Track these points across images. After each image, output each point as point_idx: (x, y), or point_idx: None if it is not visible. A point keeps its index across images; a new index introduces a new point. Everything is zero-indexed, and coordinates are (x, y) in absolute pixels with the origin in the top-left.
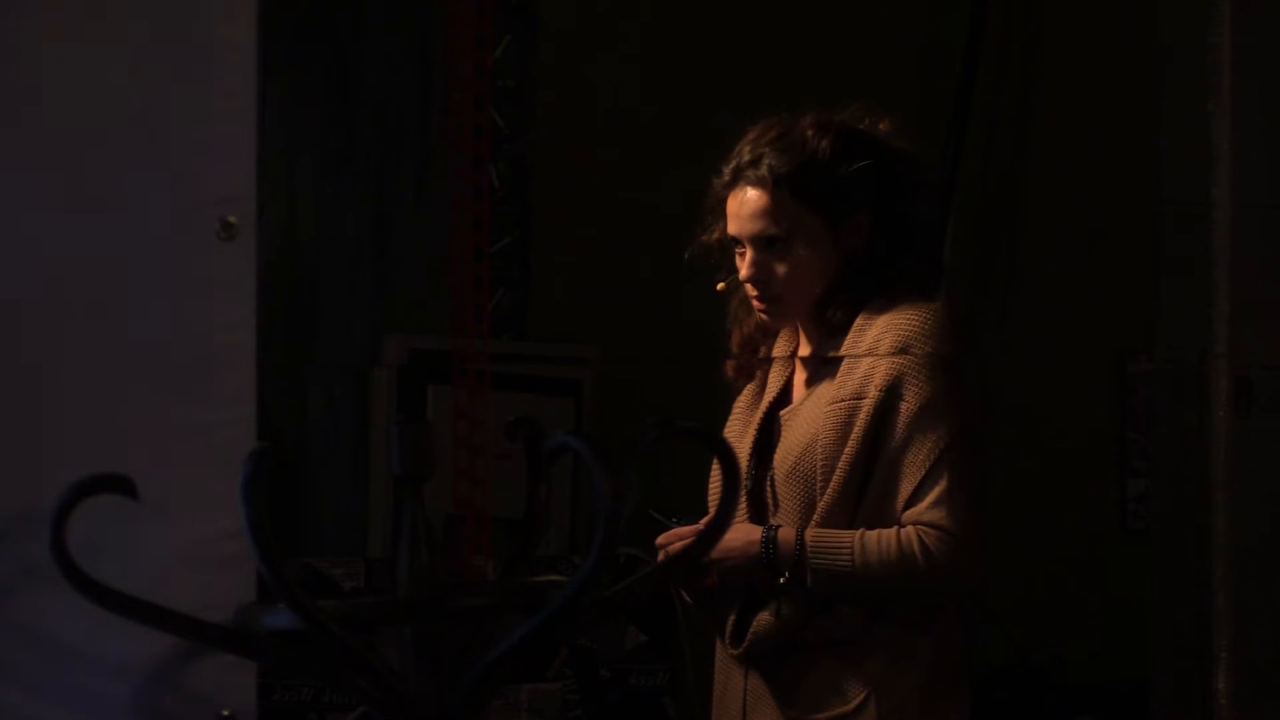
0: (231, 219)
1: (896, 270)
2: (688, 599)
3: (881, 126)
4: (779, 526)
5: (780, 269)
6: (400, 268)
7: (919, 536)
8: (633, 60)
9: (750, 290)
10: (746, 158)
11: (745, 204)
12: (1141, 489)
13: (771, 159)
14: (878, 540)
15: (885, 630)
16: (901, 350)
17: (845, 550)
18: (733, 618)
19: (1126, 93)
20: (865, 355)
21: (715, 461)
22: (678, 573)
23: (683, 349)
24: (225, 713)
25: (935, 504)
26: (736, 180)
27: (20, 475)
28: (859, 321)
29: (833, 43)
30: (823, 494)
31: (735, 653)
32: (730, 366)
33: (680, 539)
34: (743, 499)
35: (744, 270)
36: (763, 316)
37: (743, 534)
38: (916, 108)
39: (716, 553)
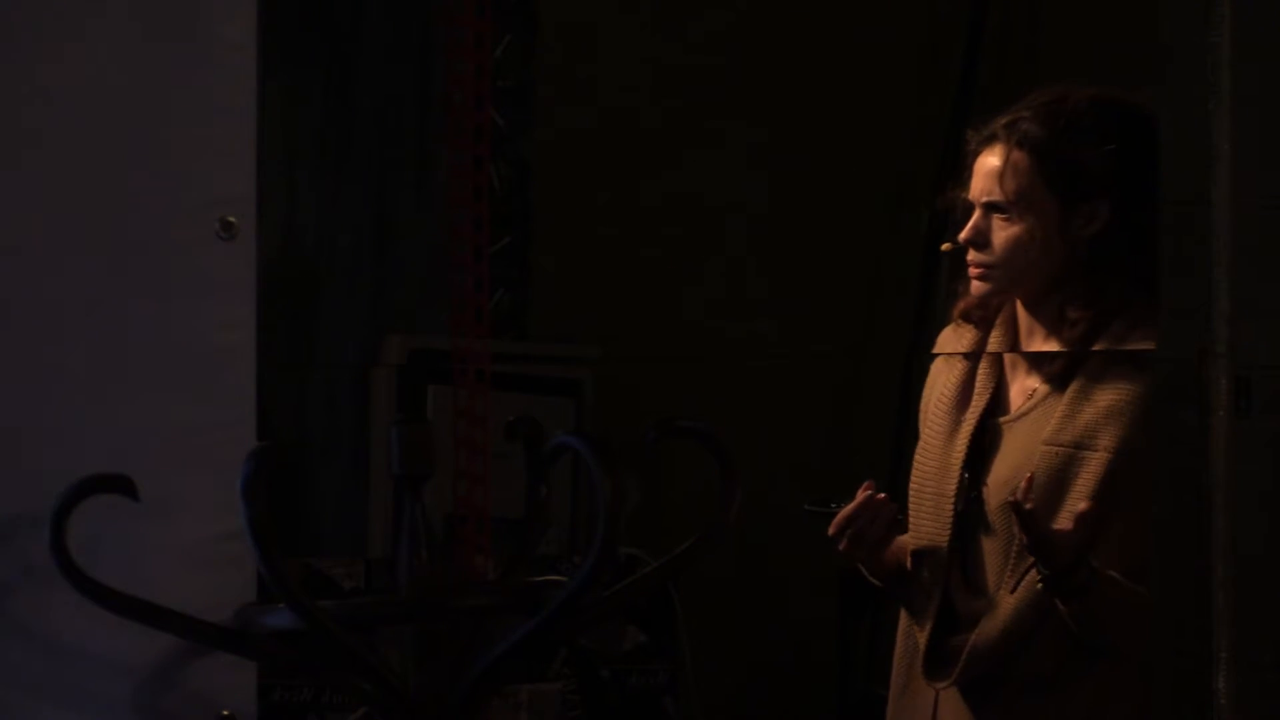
0: (231, 219)
1: (1128, 273)
2: (874, 580)
3: None
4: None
5: (999, 237)
6: (400, 268)
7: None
8: (633, 60)
9: (969, 255)
10: (1006, 119)
11: (985, 164)
12: None
13: (1027, 123)
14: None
15: (1093, 671)
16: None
17: (1120, 606)
18: (925, 642)
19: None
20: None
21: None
22: (674, 574)
23: (682, 349)
24: (225, 713)
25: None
26: (989, 140)
27: (20, 475)
28: (1110, 334)
29: (832, 42)
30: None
31: (943, 685)
32: (959, 308)
33: (853, 522)
34: (950, 517)
35: (964, 232)
36: (975, 284)
37: (1069, 547)
38: (917, 108)
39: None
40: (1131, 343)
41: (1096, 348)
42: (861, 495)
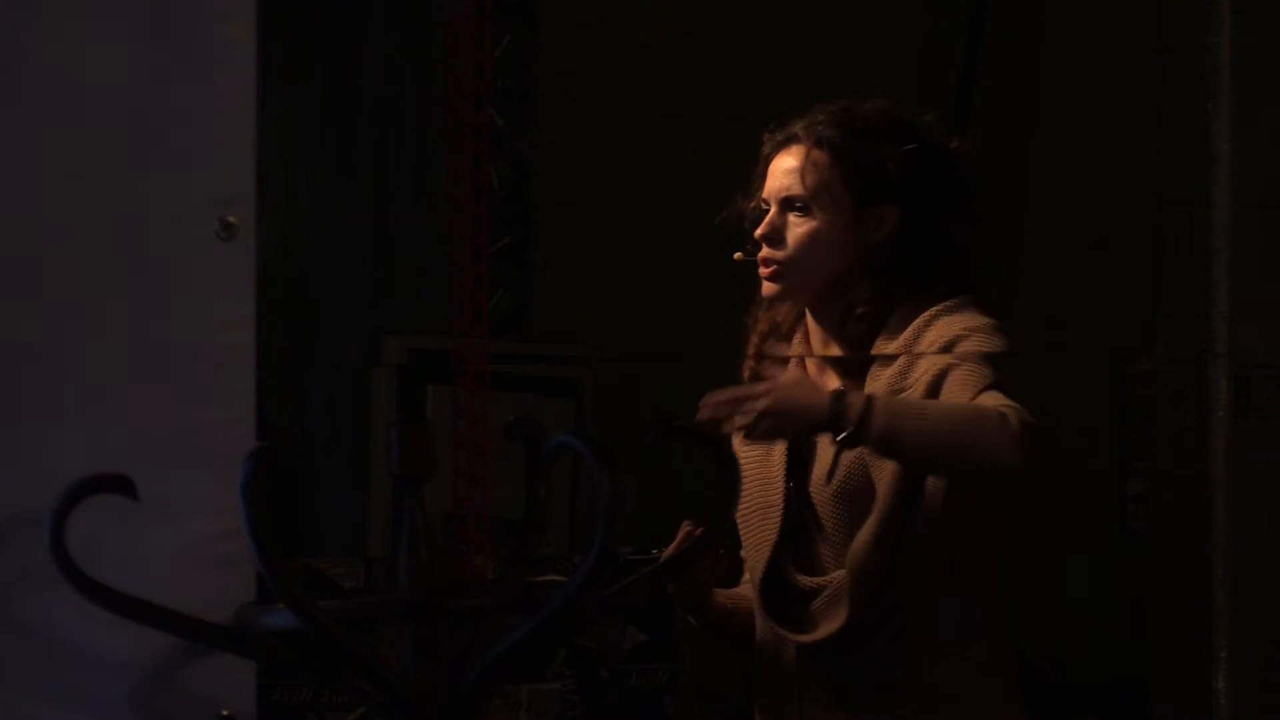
0: (231, 219)
1: (912, 277)
2: (694, 622)
3: (953, 145)
4: (849, 391)
5: (793, 233)
6: (400, 268)
7: (994, 406)
8: (632, 60)
9: (761, 254)
10: (803, 122)
11: (782, 164)
12: (1141, 489)
13: (822, 124)
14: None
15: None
16: (947, 350)
17: (916, 403)
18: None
19: (1126, 93)
20: (912, 354)
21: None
22: (675, 574)
23: (682, 349)
24: (225, 713)
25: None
26: (785, 142)
27: (20, 475)
28: (914, 327)
29: (832, 43)
30: (879, 507)
31: (803, 638)
32: (747, 369)
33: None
34: (779, 521)
35: (759, 228)
36: (766, 285)
37: (807, 391)
38: (916, 107)
39: (777, 404)
40: (909, 334)
41: (885, 340)
42: (681, 533)
